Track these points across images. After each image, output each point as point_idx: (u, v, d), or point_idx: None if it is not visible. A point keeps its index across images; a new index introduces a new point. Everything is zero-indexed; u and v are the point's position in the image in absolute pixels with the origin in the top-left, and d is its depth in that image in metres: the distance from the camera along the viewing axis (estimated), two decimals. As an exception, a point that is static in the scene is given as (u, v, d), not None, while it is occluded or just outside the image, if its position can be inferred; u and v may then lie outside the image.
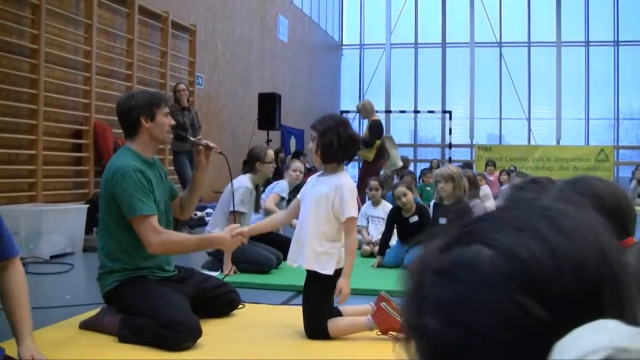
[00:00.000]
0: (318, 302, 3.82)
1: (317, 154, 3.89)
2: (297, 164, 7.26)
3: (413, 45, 26.04)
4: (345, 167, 4.03)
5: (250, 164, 6.60)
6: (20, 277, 2.89)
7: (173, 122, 4.16)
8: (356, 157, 9.04)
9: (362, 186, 10.62)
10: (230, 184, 6.52)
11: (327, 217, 3.80)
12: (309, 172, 18.49)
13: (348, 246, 3.82)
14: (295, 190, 6.91)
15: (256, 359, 3.63)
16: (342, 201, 3.75)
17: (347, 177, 3.93)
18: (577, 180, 1.79)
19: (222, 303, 4.38)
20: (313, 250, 3.79)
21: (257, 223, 4.28)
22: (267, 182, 7.64)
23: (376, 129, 10.72)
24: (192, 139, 4.44)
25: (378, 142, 10.66)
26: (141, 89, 10.38)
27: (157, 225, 3.81)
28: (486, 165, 16.45)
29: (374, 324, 3.85)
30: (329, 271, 3.79)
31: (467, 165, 19.58)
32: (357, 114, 25.66)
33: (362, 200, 8.50)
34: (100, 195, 4.03)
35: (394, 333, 3.84)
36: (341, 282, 3.75)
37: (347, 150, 3.87)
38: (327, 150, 3.83)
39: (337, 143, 3.80)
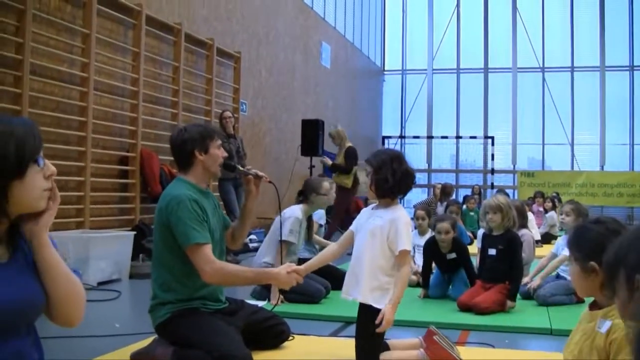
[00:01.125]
0: (371, 336, 3.77)
1: (372, 189, 3.88)
2: (326, 184, 7.02)
3: (455, 71, 25.98)
4: (399, 201, 4.00)
5: (305, 194, 6.61)
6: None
7: (225, 154, 4.17)
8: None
9: (337, 213, 10.57)
10: (283, 213, 6.54)
11: (383, 251, 3.77)
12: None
13: (399, 277, 3.78)
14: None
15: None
16: (397, 234, 3.73)
17: (402, 210, 3.90)
18: None
19: (273, 335, 4.36)
20: (369, 284, 3.75)
21: (311, 260, 4.24)
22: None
23: (352, 155, 11.00)
24: (241, 168, 4.44)
25: (355, 168, 10.78)
26: (188, 116, 10.52)
27: (211, 255, 3.82)
28: (535, 196, 16.24)
29: (427, 357, 3.80)
30: (384, 305, 3.75)
31: (501, 191, 19.42)
32: (400, 140, 25.76)
33: (342, 227, 8.40)
34: (154, 225, 4.03)
35: None
36: (386, 308, 3.69)
37: (402, 185, 3.84)
38: (382, 185, 3.82)
39: (392, 178, 3.79)
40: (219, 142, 4.14)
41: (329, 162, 11.28)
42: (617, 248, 1.78)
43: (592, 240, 2.49)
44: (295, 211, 6.40)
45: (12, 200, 2.16)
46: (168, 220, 3.85)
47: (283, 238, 6.03)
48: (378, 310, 3.73)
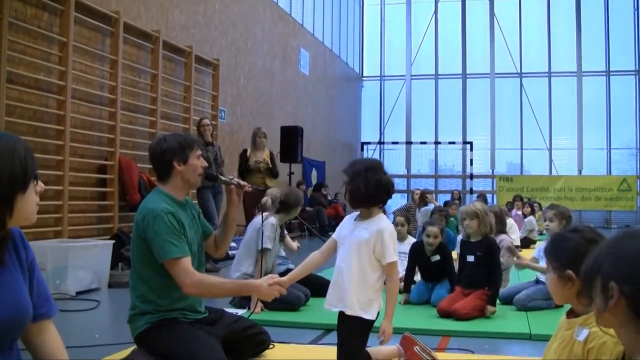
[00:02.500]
0: (356, 345, 3.78)
1: (346, 198, 3.88)
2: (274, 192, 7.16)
3: (433, 77, 26.12)
4: (381, 210, 4.00)
5: (286, 205, 6.62)
6: (59, 342, 2.77)
7: (205, 164, 4.15)
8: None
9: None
10: (255, 222, 6.54)
11: (370, 263, 3.76)
12: (330, 203, 18.52)
13: (389, 289, 3.79)
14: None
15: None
16: (383, 245, 3.72)
17: (386, 220, 3.90)
18: (631, 234, 1.76)
19: (253, 344, 4.34)
20: (356, 297, 3.74)
21: (294, 271, 4.22)
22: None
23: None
24: (223, 178, 4.43)
25: None
26: (166, 124, 10.49)
27: (190, 267, 3.80)
28: (514, 200, 16.37)
29: None
30: (372, 316, 3.75)
31: (481, 196, 19.54)
32: (378, 145, 25.82)
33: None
34: (132, 237, 4.01)
35: None
36: (384, 324, 3.72)
37: (377, 194, 3.83)
38: (355, 195, 3.82)
39: (364, 188, 3.78)
40: (199, 152, 4.11)
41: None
42: (593, 257, 1.80)
43: (569, 249, 2.52)
44: (271, 218, 6.41)
45: (14, 213, 2.28)
46: (145, 234, 3.82)
47: (263, 245, 6.04)
48: (364, 321, 3.73)
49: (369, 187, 3.78)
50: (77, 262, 7.36)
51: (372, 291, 3.77)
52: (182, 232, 3.87)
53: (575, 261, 2.42)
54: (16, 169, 2.26)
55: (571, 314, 2.62)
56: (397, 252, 7.35)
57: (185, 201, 4.10)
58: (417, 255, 6.86)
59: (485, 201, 20.61)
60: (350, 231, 3.88)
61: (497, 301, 6.16)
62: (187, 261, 3.80)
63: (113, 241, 8.30)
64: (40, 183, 2.41)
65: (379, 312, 3.83)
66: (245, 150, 10.33)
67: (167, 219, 3.80)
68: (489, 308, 5.93)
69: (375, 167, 3.88)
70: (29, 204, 2.38)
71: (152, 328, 3.84)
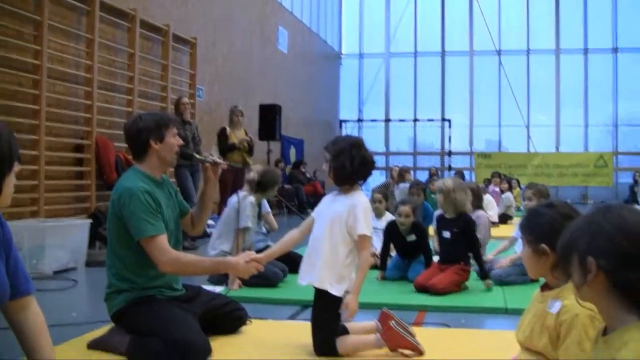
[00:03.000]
0: (328, 320, 3.80)
1: (330, 176, 3.90)
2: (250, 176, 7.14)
3: (412, 54, 26.11)
4: (360, 187, 4.02)
5: (264, 185, 6.63)
6: (40, 317, 2.82)
7: (181, 143, 4.14)
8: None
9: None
10: (233, 200, 6.54)
11: (342, 237, 3.79)
12: (309, 181, 18.53)
13: (360, 264, 3.81)
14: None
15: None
16: (355, 219, 3.75)
17: (362, 196, 3.92)
18: (607, 210, 1.79)
19: (230, 321, 4.36)
20: (326, 270, 3.77)
21: (272, 248, 4.25)
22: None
23: None
24: (198, 156, 4.42)
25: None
26: (143, 103, 10.43)
27: (167, 246, 3.80)
28: (492, 176, 16.41)
29: (384, 342, 3.84)
30: (340, 292, 3.77)
31: (458, 173, 19.65)
32: (357, 123, 25.82)
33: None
34: (108, 216, 4.01)
35: (404, 351, 3.84)
36: (349, 299, 3.73)
37: (360, 171, 3.87)
38: (340, 172, 3.84)
39: (349, 165, 3.81)
40: (175, 130, 4.10)
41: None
42: (569, 234, 1.84)
43: (543, 224, 2.56)
44: (250, 197, 6.42)
45: (1, 195, 2.44)
46: (121, 213, 3.82)
47: (241, 224, 6.08)
48: (333, 296, 3.76)
49: (354, 164, 3.81)
50: (54, 241, 7.33)
51: (342, 266, 3.80)
52: (159, 210, 3.87)
53: (549, 235, 2.47)
54: (4, 151, 2.36)
55: (545, 287, 2.66)
56: (374, 229, 7.45)
57: (162, 179, 4.10)
58: (392, 234, 6.88)
59: (462, 178, 20.76)
60: (328, 207, 3.91)
61: (475, 275, 6.23)
62: (163, 239, 3.80)
63: (90, 220, 8.28)
64: (18, 164, 2.48)
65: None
66: (224, 129, 10.30)
67: (143, 198, 3.80)
68: (487, 282, 6.05)
69: (358, 144, 3.92)
70: (11, 185, 2.50)
71: (129, 306, 3.85)
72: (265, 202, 7.26)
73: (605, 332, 1.81)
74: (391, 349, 3.84)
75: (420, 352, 3.84)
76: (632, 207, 1.83)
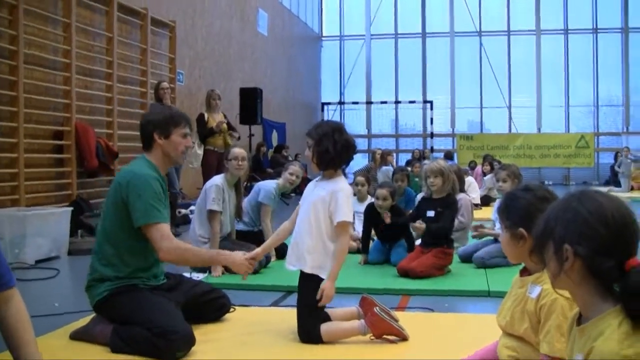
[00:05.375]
0: (312, 306, 3.80)
1: (314, 161, 3.88)
2: (295, 168, 7.20)
3: (393, 36, 26.08)
4: (343, 172, 4.03)
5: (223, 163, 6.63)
6: (23, 310, 2.81)
7: (191, 144, 4.17)
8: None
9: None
10: (207, 184, 6.51)
11: (325, 221, 3.80)
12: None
13: (337, 250, 3.81)
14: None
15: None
16: (337, 205, 3.75)
17: (344, 181, 3.94)
18: (582, 195, 1.78)
19: (213, 309, 4.35)
20: (313, 254, 3.79)
21: (267, 242, 4.29)
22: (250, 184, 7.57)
23: None
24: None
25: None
26: (123, 88, 10.34)
27: (169, 233, 3.84)
28: (484, 159, 16.25)
29: (368, 328, 3.84)
30: (321, 275, 3.79)
31: (447, 155, 19.67)
32: (339, 106, 25.78)
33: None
34: (107, 199, 3.99)
35: (388, 336, 3.83)
36: (326, 285, 3.74)
37: (343, 156, 3.87)
38: (324, 157, 3.83)
39: (333, 149, 3.80)
40: (186, 130, 4.12)
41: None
42: (544, 221, 1.82)
43: (520, 208, 2.56)
44: (215, 180, 6.38)
45: None
46: (127, 197, 3.82)
47: (207, 207, 6.10)
48: (321, 280, 3.76)
49: (337, 148, 3.81)
50: (35, 230, 7.26)
51: (328, 251, 3.81)
52: (163, 201, 3.88)
53: (526, 219, 2.47)
54: None
55: (524, 272, 2.66)
56: (356, 212, 7.45)
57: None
58: (371, 217, 6.87)
59: (451, 159, 20.86)
60: (311, 192, 3.92)
61: (457, 259, 6.24)
62: (167, 227, 3.86)
63: (72, 208, 8.21)
64: None
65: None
66: (202, 115, 10.23)
67: (154, 185, 3.85)
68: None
69: (341, 129, 3.92)
70: None
71: (112, 295, 3.83)
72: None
73: (579, 320, 1.80)
74: (376, 335, 3.84)
75: (404, 338, 3.85)
76: (607, 192, 1.83)
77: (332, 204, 3.78)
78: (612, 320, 1.65)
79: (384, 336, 3.84)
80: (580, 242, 1.70)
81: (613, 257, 1.66)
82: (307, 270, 3.83)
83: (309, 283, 3.83)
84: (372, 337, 3.84)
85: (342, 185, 3.86)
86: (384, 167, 13.61)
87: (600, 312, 1.69)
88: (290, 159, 18.95)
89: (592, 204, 1.74)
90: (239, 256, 4.00)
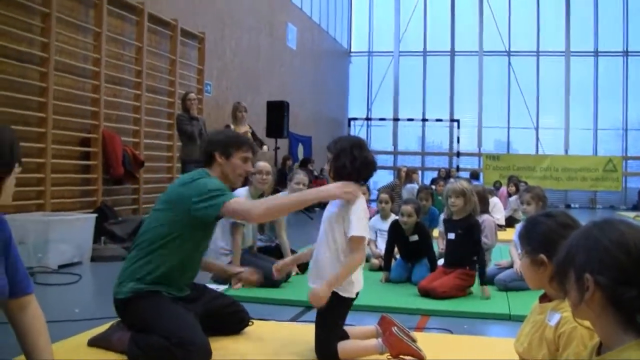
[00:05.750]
0: (333, 322, 3.79)
1: (331, 175, 3.87)
2: (300, 176, 7.09)
3: (422, 53, 26.05)
4: (364, 187, 4.02)
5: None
6: (39, 317, 2.83)
7: (251, 169, 4.30)
8: None
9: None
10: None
11: (340, 237, 3.76)
12: (316, 179, 18.52)
13: (347, 261, 3.75)
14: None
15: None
16: (349, 219, 3.72)
17: (359, 197, 3.90)
18: (605, 224, 1.74)
19: (233, 322, 4.35)
20: (330, 271, 3.75)
21: (300, 253, 4.29)
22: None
23: None
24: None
25: None
26: (151, 97, 10.42)
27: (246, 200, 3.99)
28: (509, 180, 16.15)
29: (385, 348, 3.81)
30: (350, 293, 3.77)
31: (473, 174, 19.59)
32: (366, 122, 25.77)
33: None
34: (158, 206, 4.05)
35: (405, 357, 3.80)
36: (319, 288, 3.67)
37: (361, 172, 3.83)
38: (341, 172, 3.80)
39: (350, 165, 3.77)
40: (247, 154, 4.22)
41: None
42: (566, 249, 1.79)
43: (541, 233, 2.53)
44: (238, 192, 6.33)
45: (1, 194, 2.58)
46: (189, 191, 3.89)
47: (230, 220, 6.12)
48: (340, 297, 3.74)
49: (355, 164, 3.78)
50: (59, 235, 7.33)
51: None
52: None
53: (547, 245, 2.44)
54: (5, 153, 2.52)
55: (544, 298, 2.63)
56: (379, 230, 7.42)
57: None
58: (395, 235, 6.83)
59: (477, 179, 20.79)
60: (328, 209, 3.90)
61: (478, 281, 6.17)
62: (239, 199, 3.98)
63: (96, 215, 8.27)
64: (19, 167, 2.67)
65: (358, 292, 3.84)
66: (228, 126, 10.27)
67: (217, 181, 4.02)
68: (484, 288, 5.90)
69: (360, 145, 3.89)
70: (11, 186, 2.62)
71: (134, 298, 3.85)
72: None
73: (599, 350, 1.77)
74: (393, 355, 3.80)
75: (422, 359, 3.80)
76: (630, 221, 1.78)
77: (346, 218, 3.76)
78: (634, 353, 1.61)
79: (401, 356, 3.81)
80: (601, 271, 1.66)
81: (635, 287, 1.62)
82: (345, 295, 3.81)
83: (329, 299, 3.81)
84: (389, 357, 3.81)
85: (356, 200, 3.84)
86: (409, 185, 13.56)
87: (621, 344, 1.65)
88: (315, 173, 18.98)
89: (613, 232, 1.71)
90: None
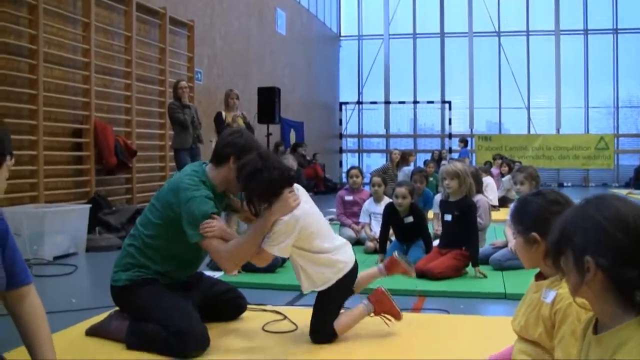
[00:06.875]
0: (326, 313, 3.87)
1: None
2: (289, 162, 7.06)
3: (411, 36, 26.01)
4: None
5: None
6: (39, 308, 2.84)
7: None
8: None
9: None
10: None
11: (297, 243, 3.82)
12: (309, 164, 18.52)
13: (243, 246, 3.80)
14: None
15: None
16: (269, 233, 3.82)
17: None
18: (599, 201, 1.74)
19: (231, 308, 4.38)
20: (302, 273, 3.88)
21: None
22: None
23: None
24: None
25: None
26: (141, 87, 10.40)
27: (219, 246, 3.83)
28: (494, 159, 16.42)
29: (371, 306, 3.90)
30: (326, 284, 3.86)
31: (462, 140, 19.78)
32: (357, 105, 25.75)
33: None
34: (156, 202, 4.02)
35: (387, 316, 3.93)
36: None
37: (274, 190, 3.78)
38: (257, 196, 3.85)
39: (260, 189, 3.78)
40: None
41: None
42: (562, 227, 1.77)
43: (532, 212, 2.56)
44: None
45: None
46: (178, 209, 3.85)
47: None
48: (333, 291, 3.84)
49: (264, 187, 3.72)
50: (54, 227, 7.33)
51: (318, 262, 3.84)
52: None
53: (538, 224, 2.46)
54: None
55: (539, 276, 2.65)
56: (373, 213, 7.45)
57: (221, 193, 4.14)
58: (390, 217, 6.85)
59: (466, 145, 20.97)
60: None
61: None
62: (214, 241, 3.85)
63: (90, 205, 8.28)
64: (11, 159, 2.63)
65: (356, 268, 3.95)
66: (219, 113, 10.26)
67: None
68: (476, 269, 5.95)
69: (261, 169, 3.73)
70: (2, 179, 2.64)
71: (133, 285, 3.86)
72: None
73: (596, 328, 1.76)
74: (377, 312, 3.90)
75: (399, 317, 4.01)
76: (623, 197, 1.77)
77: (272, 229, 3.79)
78: (633, 332, 1.60)
79: (382, 315, 3.95)
80: (601, 252, 1.64)
81: (636, 267, 1.61)
82: (306, 290, 3.93)
83: (325, 297, 3.89)
84: (372, 314, 3.89)
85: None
86: (405, 168, 13.60)
87: (620, 322, 1.65)
88: (308, 158, 18.98)
89: (609, 209, 1.69)
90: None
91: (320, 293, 3.89)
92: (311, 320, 3.88)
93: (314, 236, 3.83)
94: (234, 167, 3.92)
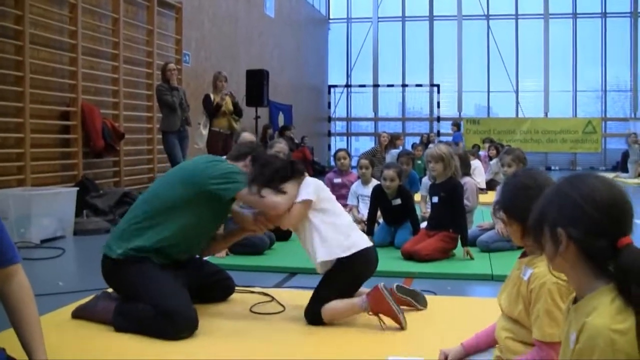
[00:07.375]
0: (320, 294, 3.90)
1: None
2: (281, 145, 7.04)
3: (400, 19, 25.94)
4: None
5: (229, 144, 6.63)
6: (26, 288, 2.82)
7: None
8: None
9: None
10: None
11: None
12: (297, 147, 18.49)
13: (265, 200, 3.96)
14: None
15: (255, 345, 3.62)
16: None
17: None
18: (575, 179, 1.84)
19: (218, 290, 4.38)
20: (316, 234, 3.91)
21: None
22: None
23: None
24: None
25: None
26: (129, 69, 10.35)
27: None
28: (483, 142, 16.51)
29: (368, 303, 3.80)
30: (333, 255, 3.86)
31: (455, 124, 19.85)
32: (346, 89, 25.70)
33: None
34: (171, 178, 4.12)
35: (383, 317, 3.78)
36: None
37: (272, 179, 4.02)
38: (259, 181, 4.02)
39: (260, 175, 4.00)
40: None
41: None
42: (540, 206, 1.87)
43: (504, 193, 2.67)
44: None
45: None
46: (210, 172, 3.96)
47: None
48: (340, 261, 3.85)
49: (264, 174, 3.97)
50: (41, 210, 7.31)
51: (322, 233, 3.89)
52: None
53: (508, 204, 2.61)
54: None
55: (523, 255, 2.70)
56: (360, 195, 7.47)
57: None
58: (378, 199, 6.86)
59: (458, 129, 21.07)
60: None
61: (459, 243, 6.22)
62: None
63: (77, 188, 8.25)
64: None
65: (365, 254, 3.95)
66: (208, 95, 10.24)
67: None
68: (466, 249, 5.97)
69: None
70: None
71: (125, 261, 3.84)
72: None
73: (575, 301, 1.84)
74: (373, 311, 3.79)
75: (400, 325, 3.78)
76: (599, 175, 1.86)
77: None
78: (604, 298, 1.68)
79: (380, 316, 3.81)
80: (572, 224, 1.75)
81: (605, 237, 1.71)
82: (315, 261, 3.94)
83: (327, 279, 3.95)
84: (370, 313, 3.80)
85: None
86: (393, 150, 13.60)
87: (593, 291, 1.74)
88: (296, 141, 18.95)
89: (582, 186, 1.79)
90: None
91: (325, 275, 3.90)
92: (309, 303, 3.89)
93: (331, 213, 3.98)
94: (246, 168, 4.10)
